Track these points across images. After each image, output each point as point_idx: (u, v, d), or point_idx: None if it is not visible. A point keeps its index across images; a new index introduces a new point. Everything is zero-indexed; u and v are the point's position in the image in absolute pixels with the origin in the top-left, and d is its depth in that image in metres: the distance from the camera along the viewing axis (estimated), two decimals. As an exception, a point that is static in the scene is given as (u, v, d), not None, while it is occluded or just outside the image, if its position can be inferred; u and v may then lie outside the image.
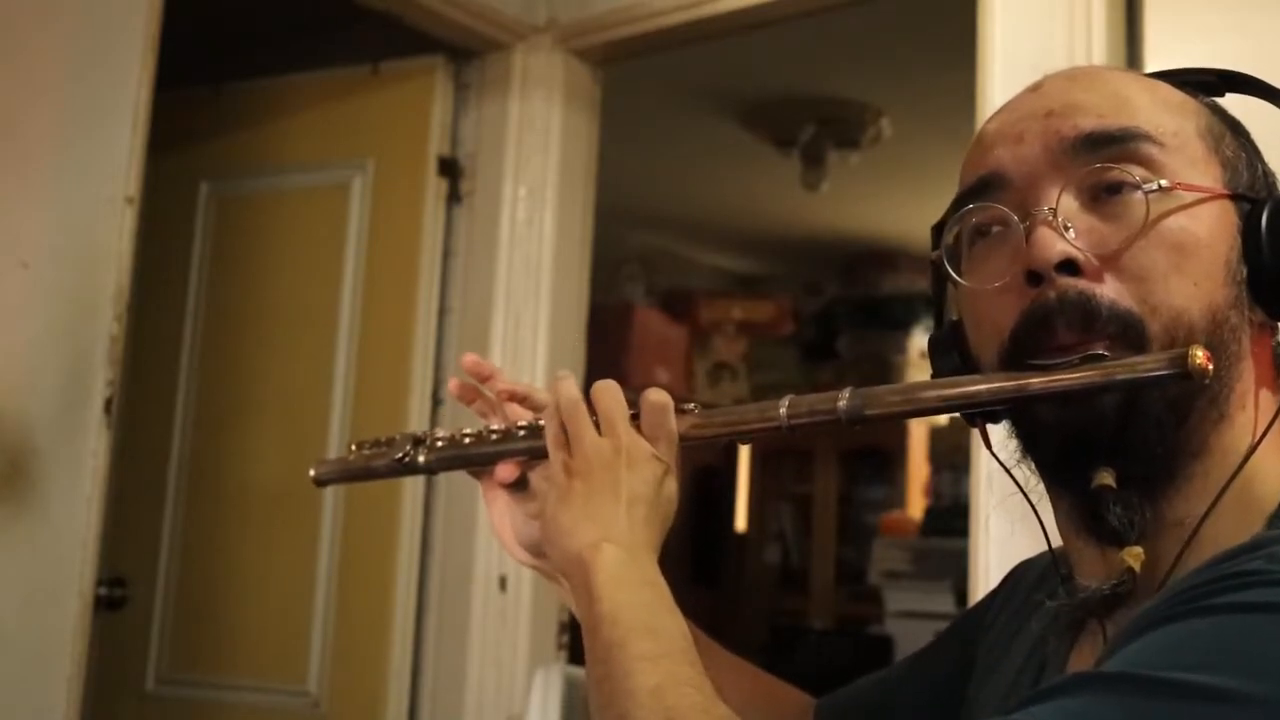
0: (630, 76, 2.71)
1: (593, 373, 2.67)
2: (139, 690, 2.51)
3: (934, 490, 4.99)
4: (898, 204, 4.28)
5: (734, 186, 4.31)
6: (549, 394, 0.88)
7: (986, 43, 1.84)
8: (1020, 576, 0.91)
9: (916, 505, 5.01)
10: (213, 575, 2.50)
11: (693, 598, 5.05)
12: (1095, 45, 1.75)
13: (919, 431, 5.06)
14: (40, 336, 1.76)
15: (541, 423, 0.86)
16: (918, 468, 5.10)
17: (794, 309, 5.34)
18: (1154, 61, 1.70)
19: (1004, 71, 1.80)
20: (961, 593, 3.89)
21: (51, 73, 1.80)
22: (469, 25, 2.41)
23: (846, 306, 5.28)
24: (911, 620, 4.34)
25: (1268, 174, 0.76)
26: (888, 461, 5.20)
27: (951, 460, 4.78)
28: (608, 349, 4.11)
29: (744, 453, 5.51)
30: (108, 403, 1.81)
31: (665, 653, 0.70)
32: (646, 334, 4.66)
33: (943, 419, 4.68)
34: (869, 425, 0.76)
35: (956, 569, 3.83)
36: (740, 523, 5.50)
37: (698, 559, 5.27)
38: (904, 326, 5.06)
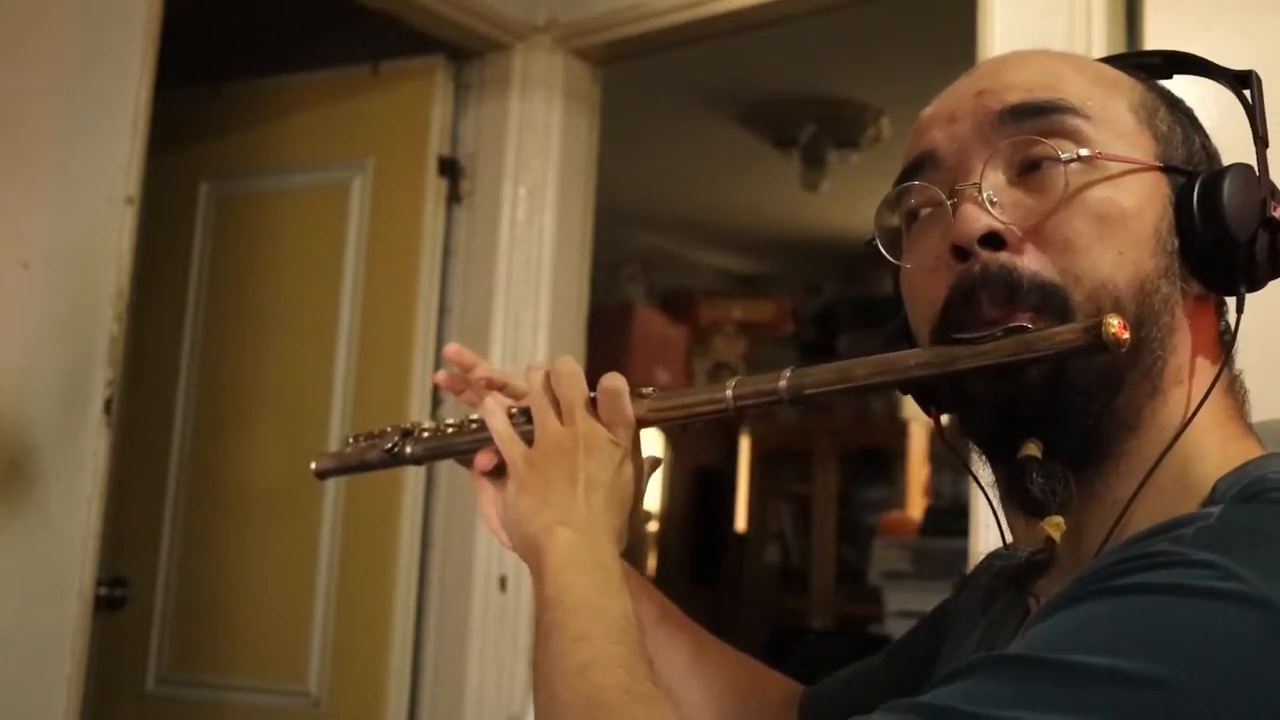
0: (630, 76, 2.71)
1: (593, 373, 2.67)
2: (139, 690, 2.51)
3: (934, 490, 4.99)
4: (898, 204, 4.28)
5: (734, 186, 4.31)
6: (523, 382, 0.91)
7: (986, 43, 1.84)
8: (989, 564, 0.91)
9: (916, 505, 5.01)
10: (213, 575, 2.50)
11: (693, 598, 5.05)
12: (1095, 45, 1.75)
13: (919, 431, 5.07)
14: (40, 336, 1.76)
15: (516, 410, 0.88)
16: (918, 468, 5.10)
17: (794, 309, 5.35)
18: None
19: (1004, 71, 1.79)
20: (961, 593, 3.88)
21: (51, 73, 1.80)
22: (469, 25, 2.41)
23: (846, 306, 5.29)
24: (911, 620, 4.33)
25: (1208, 149, 0.75)
26: (888, 461, 5.21)
27: (951, 460, 4.78)
28: (608, 349, 4.11)
29: (744, 453, 5.52)
30: (108, 403, 1.81)
31: (601, 634, 0.71)
32: (646, 334, 4.66)
33: (944, 418, 4.64)
34: (810, 403, 0.78)
35: (956, 569, 3.82)
36: (740, 523, 5.50)
37: (698, 559, 5.28)
38: (903, 326, 5.06)
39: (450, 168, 2.49)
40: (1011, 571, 0.70)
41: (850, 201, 4.24)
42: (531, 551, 0.79)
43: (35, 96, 1.78)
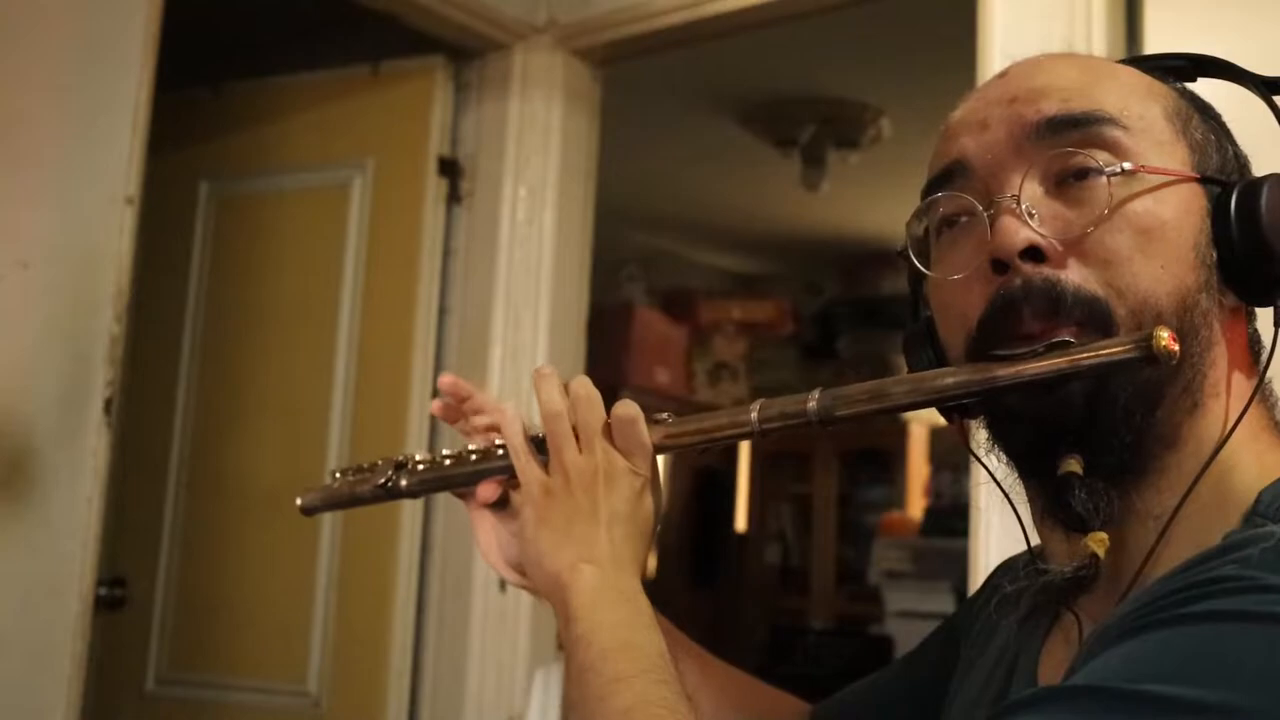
0: (630, 76, 2.71)
1: (593, 373, 2.67)
2: (139, 690, 2.51)
3: (934, 490, 5.00)
4: (898, 204, 4.26)
5: (734, 186, 4.31)
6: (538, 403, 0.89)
7: (986, 43, 1.84)
8: (1004, 573, 0.90)
9: (916, 505, 5.02)
10: (213, 575, 2.50)
11: (693, 598, 5.06)
12: (1095, 45, 1.75)
13: (919, 432, 5.07)
14: (40, 336, 1.76)
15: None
16: (918, 468, 5.10)
17: (794, 309, 5.35)
18: (1154, 61, 1.70)
19: (1004, 71, 1.79)
20: (961, 593, 3.89)
21: (51, 73, 1.80)
22: (469, 25, 2.41)
23: (846, 306, 5.29)
24: (911, 620, 4.35)
25: (1239, 156, 0.75)
26: (888, 461, 5.21)
27: (951, 460, 4.79)
28: (608, 349, 4.11)
29: (744, 453, 5.52)
30: (108, 403, 1.81)
31: (638, 672, 0.70)
32: (646, 334, 4.66)
33: (942, 419, 4.66)
34: (840, 425, 0.75)
35: (956, 569, 3.83)
36: (740, 523, 5.51)
37: (698, 559, 5.27)
38: (904, 327, 5.05)
39: (450, 168, 2.49)
40: (1055, 588, 0.68)
41: (850, 201, 4.24)
42: (556, 589, 0.77)
43: (35, 96, 1.78)
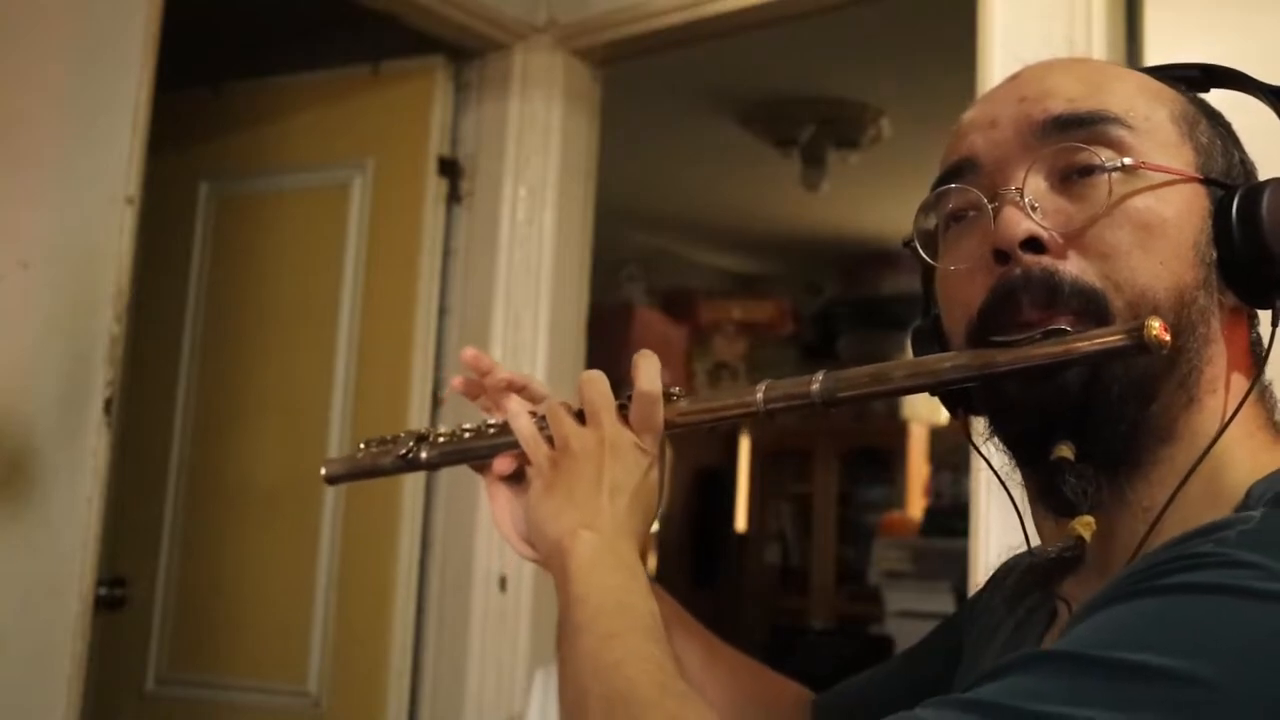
0: (630, 76, 2.71)
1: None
2: (139, 690, 2.52)
3: (934, 490, 5.00)
4: (898, 204, 4.27)
5: (734, 186, 4.31)
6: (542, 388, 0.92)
7: (986, 43, 1.84)
8: (1008, 570, 0.91)
9: (916, 505, 5.01)
10: (213, 575, 2.50)
11: (693, 598, 5.06)
12: (1096, 45, 1.76)
13: (919, 432, 5.07)
14: (40, 336, 1.76)
15: (537, 414, 0.87)
16: (918, 468, 5.10)
17: (794, 309, 5.35)
18: (1154, 61, 1.70)
19: (1004, 72, 1.78)
20: (961, 593, 3.89)
21: (51, 72, 1.80)
22: (469, 25, 2.41)
23: (846, 306, 5.29)
24: (911, 620, 4.35)
25: (1246, 163, 0.76)
26: (888, 461, 5.21)
27: (951, 460, 4.79)
28: (608, 349, 4.10)
29: (744, 453, 5.52)
30: (108, 403, 1.81)
31: (630, 630, 0.71)
32: (646, 334, 4.66)
33: (943, 418, 4.69)
34: (842, 406, 0.78)
35: (956, 569, 3.82)
36: (740, 523, 5.51)
37: (698, 559, 5.28)
38: (904, 326, 5.03)
39: (450, 168, 2.49)
40: (1040, 569, 0.70)
41: (850, 201, 4.24)
42: (555, 554, 0.79)
43: (35, 96, 1.78)
